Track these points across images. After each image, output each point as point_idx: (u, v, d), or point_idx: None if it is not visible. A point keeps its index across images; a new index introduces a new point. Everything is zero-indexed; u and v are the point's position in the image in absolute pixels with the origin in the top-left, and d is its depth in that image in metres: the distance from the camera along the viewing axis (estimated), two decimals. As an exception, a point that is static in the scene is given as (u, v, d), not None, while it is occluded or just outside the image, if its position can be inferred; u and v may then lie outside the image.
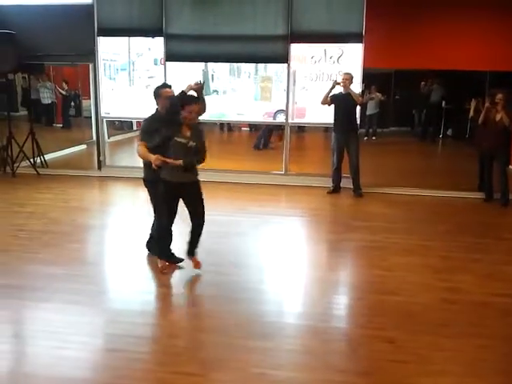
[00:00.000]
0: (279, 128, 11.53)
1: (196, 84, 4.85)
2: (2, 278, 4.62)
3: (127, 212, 6.95)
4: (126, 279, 4.72)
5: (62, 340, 3.60)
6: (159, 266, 4.80)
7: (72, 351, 3.49)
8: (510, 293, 4.49)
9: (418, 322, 3.95)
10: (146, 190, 4.90)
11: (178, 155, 4.39)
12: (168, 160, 4.35)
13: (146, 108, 8.42)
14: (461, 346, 3.64)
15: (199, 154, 4.48)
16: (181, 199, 4.62)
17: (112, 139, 11.49)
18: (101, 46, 8.59)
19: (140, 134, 4.76)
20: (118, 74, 8.79)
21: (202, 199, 4.63)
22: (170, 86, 4.84)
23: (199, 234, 4.72)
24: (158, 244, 4.87)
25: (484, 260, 5.27)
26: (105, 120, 9.08)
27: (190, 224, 4.69)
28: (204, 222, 4.67)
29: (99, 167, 8.95)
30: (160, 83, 5.07)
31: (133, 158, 11.42)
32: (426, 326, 3.90)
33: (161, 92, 4.74)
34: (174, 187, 4.51)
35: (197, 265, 4.81)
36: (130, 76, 8.74)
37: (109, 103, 8.81)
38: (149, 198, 4.92)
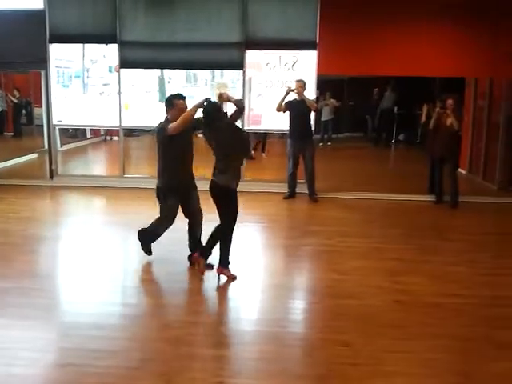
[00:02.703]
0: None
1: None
2: (-52, 293, 4.45)
3: (81, 222, 6.81)
4: (80, 292, 4.63)
5: (12, 357, 3.49)
6: (228, 274, 4.83)
7: (22, 368, 3.38)
8: (461, 293, 4.63)
9: (373, 325, 4.03)
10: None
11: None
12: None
13: (100, 115, 8.52)
14: (415, 346, 3.73)
15: None
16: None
17: (65, 147, 11.30)
18: (53, 53, 8.44)
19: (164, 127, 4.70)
20: (71, 82, 8.64)
21: None
22: (184, 98, 4.82)
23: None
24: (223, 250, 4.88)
25: (435, 261, 5.43)
26: (57, 128, 8.90)
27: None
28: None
29: (51, 176, 8.75)
30: (174, 93, 5.02)
31: (87, 166, 11.29)
32: (381, 329, 3.97)
33: (176, 103, 4.74)
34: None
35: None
36: (84, 83, 8.60)
37: (62, 111, 8.64)
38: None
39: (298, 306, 4.62)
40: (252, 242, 6.24)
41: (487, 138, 9.37)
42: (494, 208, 7.81)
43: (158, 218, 5.02)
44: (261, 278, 5.04)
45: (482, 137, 9.54)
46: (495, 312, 4.33)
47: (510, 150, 8.65)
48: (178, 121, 4.55)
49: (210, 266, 4.94)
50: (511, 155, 8.63)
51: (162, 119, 4.85)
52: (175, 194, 4.88)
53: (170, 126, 4.58)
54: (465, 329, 3.99)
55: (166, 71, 8.58)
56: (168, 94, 7.79)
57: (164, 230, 5.07)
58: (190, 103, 4.76)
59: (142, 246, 5.22)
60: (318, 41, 7.91)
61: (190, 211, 5.02)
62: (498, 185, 8.78)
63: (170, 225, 5.00)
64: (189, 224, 5.09)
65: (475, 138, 9.86)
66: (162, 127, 4.71)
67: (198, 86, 8.60)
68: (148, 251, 5.21)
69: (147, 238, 5.19)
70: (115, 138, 9.91)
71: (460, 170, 8.88)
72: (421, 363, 3.52)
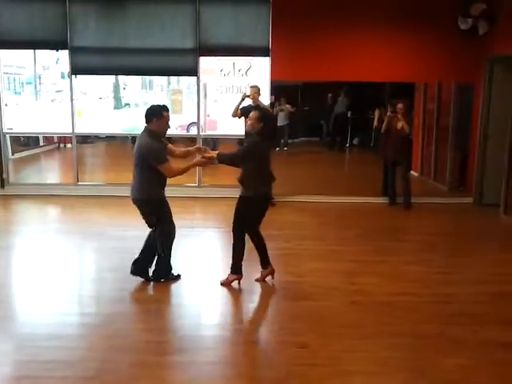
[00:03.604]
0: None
1: None
2: None
3: (35, 231, 6.66)
4: (35, 302, 4.53)
5: (-36, 371, 3.39)
6: (229, 279, 4.82)
7: (-25, 382, 3.30)
8: (416, 291, 4.77)
9: (330, 326, 4.10)
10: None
11: None
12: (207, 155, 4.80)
13: (53, 122, 8.37)
14: (371, 345, 3.81)
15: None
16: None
17: (17, 155, 11.00)
18: (2, 59, 8.23)
19: (155, 156, 4.59)
20: (23, 88, 8.46)
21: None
22: (168, 110, 4.77)
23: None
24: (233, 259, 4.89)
25: (390, 261, 5.56)
26: (8, 136, 8.68)
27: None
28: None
29: (2, 185, 8.51)
30: (158, 104, 4.85)
31: (40, 174, 11.04)
32: (338, 329, 4.04)
33: (165, 115, 4.66)
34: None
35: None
36: (36, 90, 8.44)
37: (13, 118, 8.43)
38: (148, 219, 4.81)
39: (256, 309, 4.64)
40: (210, 248, 6.24)
41: (437, 141, 9.66)
42: (445, 208, 8.05)
43: (161, 234, 4.83)
44: (218, 283, 5.04)
45: (432, 140, 9.84)
46: (450, 309, 4.46)
47: (458, 152, 8.95)
48: (178, 172, 4.71)
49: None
50: (460, 157, 8.93)
51: (142, 129, 4.73)
52: (165, 201, 4.84)
53: (169, 171, 4.63)
54: (421, 326, 4.11)
55: (122, 77, 8.51)
56: (123, 101, 7.67)
57: (172, 240, 4.90)
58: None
59: (165, 278, 4.95)
60: (270, 47, 8.00)
61: None
62: (449, 186, 9.07)
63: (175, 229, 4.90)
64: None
65: (426, 141, 10.15)
66: (152, 151, 4.59)
67: (153, 92, 8.57)
68: (176, 277, 4.99)
69: (163, 267, 4.93)
70: (69, 146, 9.74)
71: (412, 172, 9.13)
72: (378, 361, 3.59)
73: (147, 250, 4.91)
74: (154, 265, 4.94)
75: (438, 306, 4.51)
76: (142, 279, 4.89)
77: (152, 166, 4.59)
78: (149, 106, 4.76)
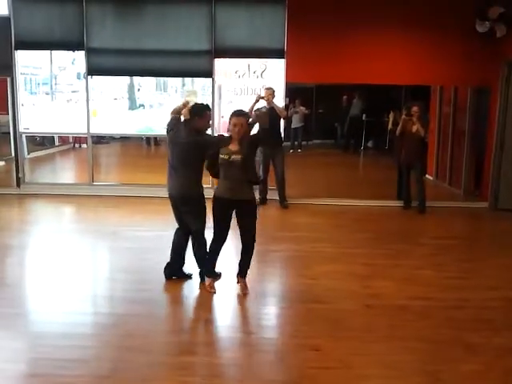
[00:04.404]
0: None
1: None
2: None
3: (49, 230, 6.72)
4: (48, 301, 4.57)
5: (-21, 367, 3.43)
6: (206, 284, 4.77)
7: (-10, 378, 3.33)
8: (426, 296, 4.73)
9: (343, 329, 4.08)
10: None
11: (224, 172, 4.50)
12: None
13: (68, 122, 8.45)
14: (383, 349, 3.79)
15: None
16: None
17: (32, 155, 11.12)
18: (19, 60, 8.33)
19: (213, 141, 4.82)
20: (39, 89, 8.55)
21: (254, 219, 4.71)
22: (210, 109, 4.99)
23: (249, 255, 4.78)
24: (205, 263, 4.87)
25: (403, 265, 5.53)
26: (24, 136, 8.77)
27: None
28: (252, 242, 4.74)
29: (18, 184, 8.60)
30: (201, 103, 5.07)
31: (55, 174, 11.14)
32: (350, 332, 4.03)
33: (207, 113, 4.81)
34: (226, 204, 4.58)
35: (244, 289, 4.75)
36: (52, 90, 8.52)
37: (29, 118, 8.52)
38: (191, 217, 4.87)
39: (269, 311, 4.63)
40: (223, 249, 6.23)
41: (453, 145, 9.58)
42: (460, 212, 7.99)
43: (198, 228, 4.91)
44: (231, 285, 5.04)
45: (447, 143, 9.75)
46: (463, 314, 4.42)
47: (474, 156, 8.87)
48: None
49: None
50: (476, 161, 8.85)
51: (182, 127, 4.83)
52: None
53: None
54: (434, 331, 4.08)
55: (136, 78, 8.57)
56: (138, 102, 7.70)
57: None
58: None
59: (208, 274, 4.97)
60: (285, 49, 8.00)
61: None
62: (464, 190, 8.98)
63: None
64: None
65: (441, 145, 10.07)
66: (208, 140, 4.79)
67: (168, 94, 8.61)
68: (217, 274, 5.02)
69: (205, 259, 4.97)
70: (84, 146, 9.83)
71: (427, 175, 9.06)
72: (392, 365, 3.57)
73: (177, 250, 4.94)
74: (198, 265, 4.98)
75: (451, 311, 4.47)
76: (158, 281, 4.91)
77: (200, 165, 4.73)
78: (192, 105, 4.93)
